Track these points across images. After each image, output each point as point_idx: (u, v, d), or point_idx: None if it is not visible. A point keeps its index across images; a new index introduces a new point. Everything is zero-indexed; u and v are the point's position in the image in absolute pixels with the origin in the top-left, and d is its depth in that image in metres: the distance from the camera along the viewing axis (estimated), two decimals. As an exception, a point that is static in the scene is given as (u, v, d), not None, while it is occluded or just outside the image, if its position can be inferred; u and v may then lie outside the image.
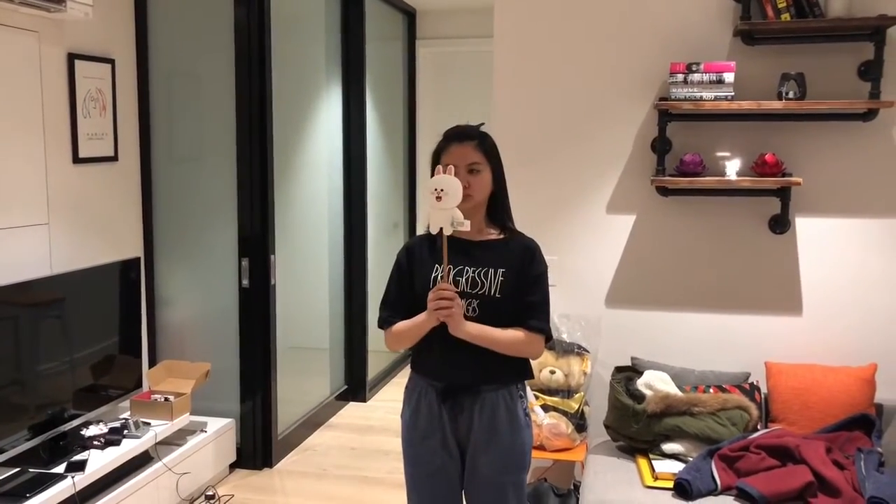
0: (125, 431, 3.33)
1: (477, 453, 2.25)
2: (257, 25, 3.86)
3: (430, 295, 2.10)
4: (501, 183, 2.26)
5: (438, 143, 2.27)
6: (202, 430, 3.77)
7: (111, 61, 3.69)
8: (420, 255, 2.27)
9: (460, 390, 2.23)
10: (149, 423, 3.46)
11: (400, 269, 2.31)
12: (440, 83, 6.10)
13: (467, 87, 6.02)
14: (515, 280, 2.18)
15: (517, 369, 2.28)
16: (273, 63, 3.97)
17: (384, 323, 2.33)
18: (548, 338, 2.27)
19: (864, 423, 2.99)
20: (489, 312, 2.16)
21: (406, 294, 2.29)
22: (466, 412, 2.24)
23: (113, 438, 3.27)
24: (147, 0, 3.90)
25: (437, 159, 2.23)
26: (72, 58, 3.43)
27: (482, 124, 2.27)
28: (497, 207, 2.27)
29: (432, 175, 2.22)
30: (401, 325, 2.27)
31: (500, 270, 2.16)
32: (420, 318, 2.20)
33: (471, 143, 2.19)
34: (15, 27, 3.14)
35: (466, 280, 2.17)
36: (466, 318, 2.15)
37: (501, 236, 2.26)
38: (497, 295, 2.15)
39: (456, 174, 2.11)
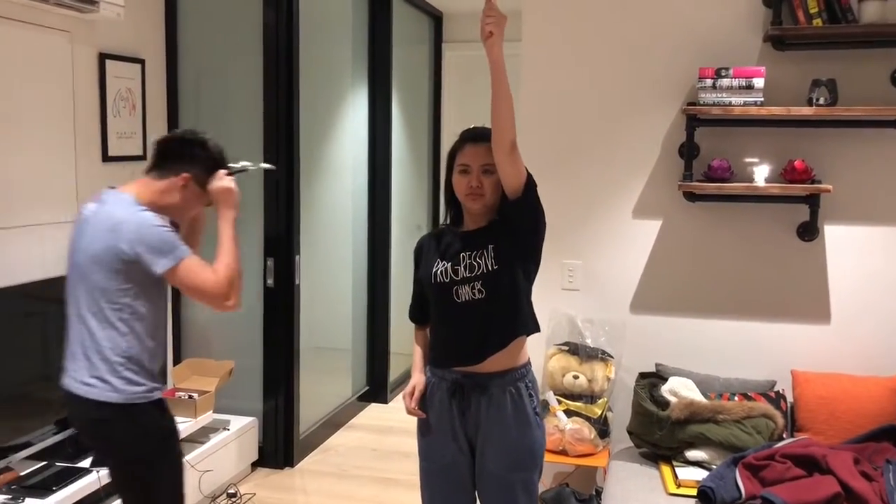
0: (149, 428, 3.36)
1: (485, 449, 2.28)
2: (286, 27, 3.89)
3: (481, 16, 2.09)
4: None
5: (454, 143, 2.31)
6: (225, 429, 3.80)
7: (141, 61, 3.74)
8: (427, 250, 2.36)
9: (468, 384, 2.26)
10: (173, 421, 3.49)
11: (415, 265, 2.42)
12: (465, 86, 6.10)
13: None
14: (505, 241, 2.20)
15: (513, 357, 2.27)
16: (300, 64, 3.99)
17: (410, 316, 2.49)
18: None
19: (893, 433, 2.94)
20: (493, 286, 2.19)
21: (417, 288, 2.42)
22: (474, 407, 2.27)
23: (137, 435, 3.29)
24: (177, 1, 3.95)
25: (452, 159, 2.29)
26: (103, 58, 3.47)
27: None
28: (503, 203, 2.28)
29: (448, 176, 2.29)
30: (416, 347, 2.46)
31: (490, 246, 2.20)
32: (414, 366, 2.42)
33: (486, 145, 2.20)
34: (48, 27, 3.19)
35: (465, 267, 2.22)
36: (473, 300, 2.20)
37: (494, 218, 2.27)
38: (495, 267, 2.19)
39: (470, 175, 2.20)
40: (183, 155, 2.32)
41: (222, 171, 2.37)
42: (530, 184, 2.18)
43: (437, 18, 5.93)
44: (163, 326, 2.39)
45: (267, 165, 2.61)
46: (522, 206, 2.18)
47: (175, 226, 2.40)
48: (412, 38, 5.64)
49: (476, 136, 2.26)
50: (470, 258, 2.22)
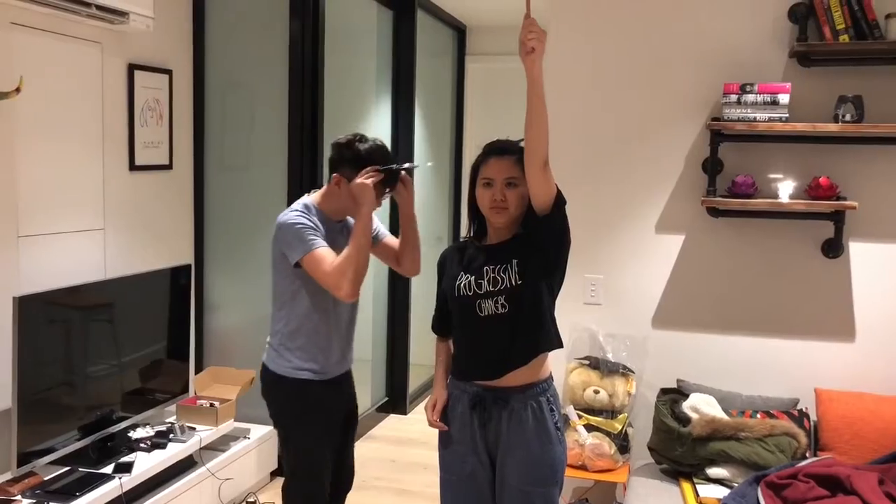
0: (171, 435, 3.39)
1: (504, 462, 2.28)
2: (311, 38, 3.93)
3: (521, 32, 2.08)
4: None
5: (478, 156, 2.32)
6: (245, 437, 3.82)
7: (169, 72, 3.78)
8: (450, 262, 2.37)
9: (489, 398, 2.26)
10: (194, 428, 3.52)
11: (438, 277, 2.44)
12: (488, 99, 6.12)
13: (515, 103, 5.99)
14: (530, 256, 2.20)
15: (535, 371, 2.27)
16: (325, 75, 4.03)
17: (433, 328, 2.51)
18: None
19: (919, 455, 2.91)
20: (516, 301, 2.19)
21: (442, 307, 2.43)
22: (495, 420, 2.27)
23: (159, 442, 3.32)
24: (205, 12, 4.00)
25: (475, 172, 2.29)
26: (132, 68, 3.52)
27: (522, 140, 2.28)
28: (527, 216, 2.27)
29: (472, 189, 2.30)
30: (438, 359, 2.47)
31: (514, 261, 2.20)
32: (436, 379, 2.43)
33: (510, 158, 2.22)
34: (80, 38, 3.24)
35: (488, 281, 2.22)
36: (496, 314, 2.21)
37: (516, 233, 2.28)
38: (518, 282, 2.18)
39: (494, 188, 2.21)
40: (333, 158, 2.60)
41: (367, 169, 2.51)
42: (560, 201, 2.18)
43: (460, 31, 5.96)
44: (325, 316, 2.62)
45: (408, 165, 2.69)
46: (551, 223, 2.18)
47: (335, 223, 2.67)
48: (436, 50, 5.67)
49: (500, 150, 2.27)
50: (494, 272, 2.22)
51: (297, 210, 2.57)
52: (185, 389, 3.73)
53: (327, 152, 4.11)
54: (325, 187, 2.64)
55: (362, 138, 2.60)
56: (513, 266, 2.20)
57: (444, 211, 5.98)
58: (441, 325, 2.46)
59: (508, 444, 2.26)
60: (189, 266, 3.74)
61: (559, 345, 2.30)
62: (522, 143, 2.26)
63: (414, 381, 5.37)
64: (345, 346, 2.73)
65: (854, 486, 2.67)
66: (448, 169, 5.98)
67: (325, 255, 2.47)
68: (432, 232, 5.81)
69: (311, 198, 2.65)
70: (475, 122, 6.10)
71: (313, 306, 2.60)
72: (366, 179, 2.50)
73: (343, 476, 2.86)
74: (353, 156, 2.55)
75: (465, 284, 2.25)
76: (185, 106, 3.96)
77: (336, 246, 2.52)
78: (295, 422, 2.67)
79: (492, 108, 6.11)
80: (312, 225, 2.52)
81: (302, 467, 2.70)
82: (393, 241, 2.81)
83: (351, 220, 2.66)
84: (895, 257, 3.16)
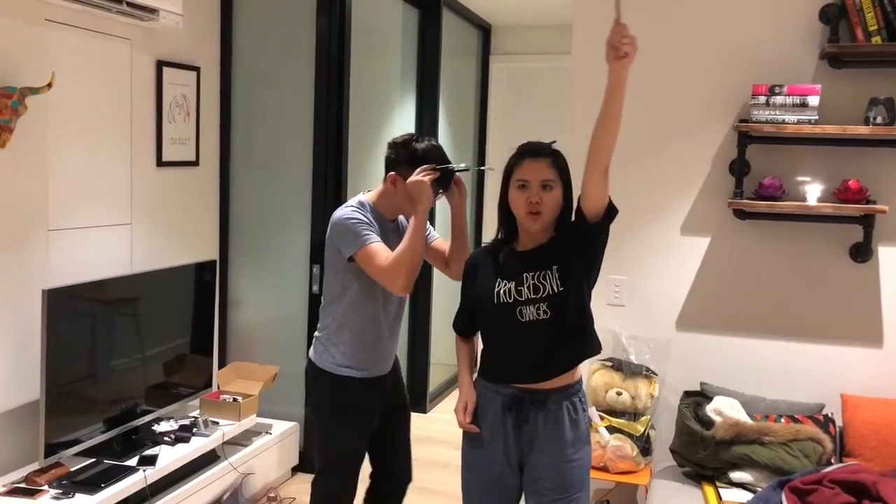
0: (194, 429, 3.41)
1: (538, 466, 2.25)
2: (338, 36, 3.94)
3: (612, 37, 2.11)
4: (570, 199, 2.26)
5: (511, 158, 2.28)
6: (267, 433, 3.84)
7: (196, 69, 3.81)
8: (482, 266, 2.33)
9: (527, 399, 2.23)
10: (217, 423, 3.54)
11: (465, 279, 2.41)
12: (512, 98, 6.12)
13: (538, 102, 6.02)
14: (570, 261, 2.19)
15: (574, 373, 2.27)
16: (351, 73, 4.04)
17: (456, 328, 2.48)
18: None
19: (947, 463, 2.87)
20: (558, 307, 2.17)
21: (468, 303, 2.39)
22: (532, 422, 2.24)
23: (182, 435, 3.35)
24: (232, 10, 4.03)
25: (509, 174, 2.26)
26: (160, 65, 3.56)
27: (554, 142, 2.28)
28: (560, 220, 2.25)
29: (504, 191, 2.27)
30: (462, 360, 2.44)
31: (555, 267, 2.19)
32: (463, 380, 2.39)
33: (545, 160, 2.21)
34: (111, 35, 3.28)
35: (529, 287, 2.19)
36: (538, 320, 2.18)
37: (553, 236, 2.26)
38: (560, 288, 2.17)
39: (529, 190, 2.18)
40: (390, 157, 2.63)
41: (424, 167, 2.53)
42: (612, 210, 2.17)
43: (485, 31, 5.95)
44: (374, 312, 2.65)
45: (463, 166, 2.74)
46: (599, 231, 2.18)
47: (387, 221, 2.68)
48: (460, 49, 5.67)
49: (535, 151, 2.24)
50: (533, 279, 2.19)
51: (351, 206, 2.59)
52: (209, 384, 3.75)
53: (352, 150, 4.16)
54: (380, 186, 2.66)
55: (418, 138, 2.62)
56: (553, 272, 2.18)
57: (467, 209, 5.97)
58: (465, 326, 2.45)
59: (544, 444, 2.23)
60: (214, 262, 3.77)
61: (600, 349, 2.30)
62: (555, 146, 2.25)
63: (434, 380, 5.37)
64: (390, 344, 2.75)
65: (881, 493, 2.64)
66: (471, 167, 5.98)
67: (379, 249, 2.50)
68: (455, 231, 5.81)
69: (366, 196, 2.67)
70: (498, 122, 6.09)
71: (362, 302, 2.62)
72: (421, 177, 2.50)
73: (398, 477, 2.86)
74: (410, 154, 2.57)
75: (504, 291, 2.22)
76: (212, 103, 3.99)
77: (389, 245, 2.54)
78: (330, 418, 2.70)
79: (515, 108, 6.10)
80: (367, 221, 2.55)
81: (331, 464, 2.73)
82: (443, 245, 2.81)
83: (403, 220, 2.70)
84: (925, 262, 3.12)
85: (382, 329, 2.69)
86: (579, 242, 2.20)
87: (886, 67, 3.05)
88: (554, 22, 5.52)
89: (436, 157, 2.59)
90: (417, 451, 4.57)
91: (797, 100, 3.03)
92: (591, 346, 2.27)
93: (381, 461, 2.86)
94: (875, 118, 2.98)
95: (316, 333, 2.73)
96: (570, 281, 2.18)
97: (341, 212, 2.59)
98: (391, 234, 2.62)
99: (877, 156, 3.10)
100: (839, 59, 3.06)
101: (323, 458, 2.75)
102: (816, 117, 3.02)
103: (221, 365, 4.08)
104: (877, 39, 2.94)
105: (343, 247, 2.54)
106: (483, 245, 2.43)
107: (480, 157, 6.02)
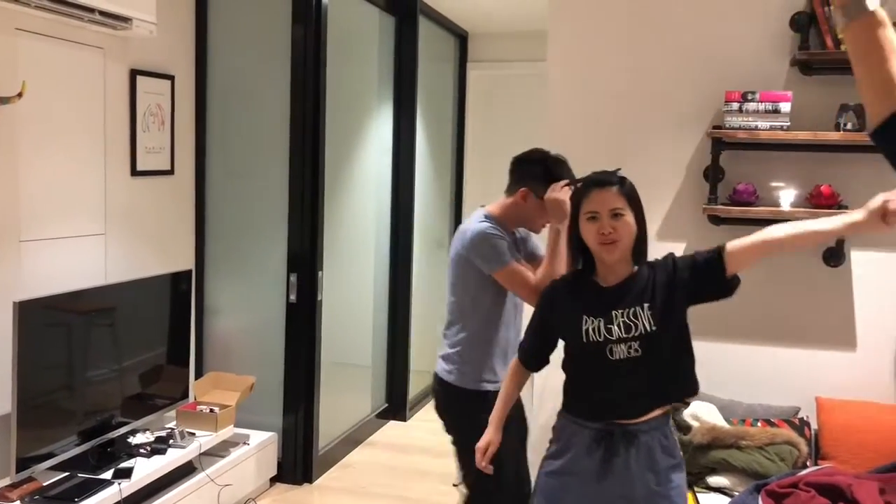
0: (171, 441, 3.38)
1: (634, 499, 2.11)
2: (314, 44, 3.93)
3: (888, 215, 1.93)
4: (643, 225, 2.16)
5: (576, 189, 2.18)
6: (245, 443, 3.81)
7: (171, 77, 3.79)
8: (563, 300, 2.19)
9: (616, 432, 2.11)
10: (193, 434, 3.51)
11: (542, 309, 2.27)
12: (489, 105, 6.14)
13: (516, 109, 6.05)
14: (665, 303, 2.10)
15: (690, 386, 2.20)
16: (327, 81, 4.03)
17: (522, 359, 2.32)
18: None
19: (920, 464, 2.90)
20: (652, 348, 2.07)
21: (540, 342, 2.26)
22: (622, 455, 2.11)
23: (159, 447, 3.32)
24: (207, 18, 4.01)
25: (577, 208, 2.14)
26: (134, 73, 3.53)
27: (618, 169, 2.18)
28: (637, 248, 2.15)
29: (573, 226, 2.16)
30: (505, 393, 2.34)
31: (646, 305, 2.08)
32: (495, 416, 2.31)
33: (612, 189, 2.10)
34: (83, 43, 3.25)
35: (619, 325, 2.08)
36: (629, 358, 2.07)
37: (634, 271, 2.15)
38: (654, 328, 2.07)
39: (600, 221, 2.08)
40: (521, 172, 2.63)
41: (559, 184, 2.50)
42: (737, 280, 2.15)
43: (462, 38, 5.97)
44: (506, 324, 2.66)
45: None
46: (723, 285, 2.14)
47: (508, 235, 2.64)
48: (438, 56, 5.69)
49: (602, 181, 2.12)
50: (624, 317, 2.08)
51: (487, 222, 2.58)
52: (185, 395, 3.72)
53: (329, 158, 4.15)
54: (507, 199, 2.64)
55: (546, 153, 2.62)
56: (644, 310, 2.08)
57: (445, 217, 5.98)
58: (534, 358, 2.29)
59: (638, 475, 2.11)
60: (190, 271, 3.74)
61: (695, 391, 2.19)
62: (620, 172, 2.16)
63: (414, 388, 5.36)
64: (515, 343, 2.68)
65: (855, 495, 2.66)
66: (450, 175, 5.99)
67: (521, 268, 2.53)
68: (433, 237, 5.82)
69: (489, 209, 2.65)
70: (477, 128, 6.11)
71: (495, 311, 2.62)
72: (559, 195, 2.46)
73: (526, 489, 2.72)
74: (543, 171, 2.56)
75: (592, 329, 2.09)
76: (187, 111, 3.97)
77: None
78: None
79: (493, 114, 6.12)
80: (507, 238, 2.55)
81: (498, 490, 2.60)
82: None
83: (518, 232, 2.70)
84: (894, 265, 3.16)
85: (510, 332, 2.69)
86: (691, 284, 2.11)
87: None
88: (530, 28, 5.55)
89: (567, 172, 2.56)
90: (397, 460, 4.57)
91: (769, 106, 3.06)
92: (683, 387, 2.17)
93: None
94: (845, 124, 3.02)
95: (447, 351, 2.67)
96: (663, 319, 2.07)
97: (481, 226, 2.56)
98: (510, 248, 2.58)
99: (848, 161, 3.14)
100: (809, 66, 3.10)
101: (484, 489, 2.60)
102: (788, 123, 3.06)
103: (198, 375, 4.05)
104: (846, 46, 2.98)
105: (486, 262, 2.53)
106: (559, 277, 2.29)
107: (459, 164, 6.04)
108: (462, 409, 2.65)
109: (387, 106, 5.06)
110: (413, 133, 5.13)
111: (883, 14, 1.35)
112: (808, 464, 2.98)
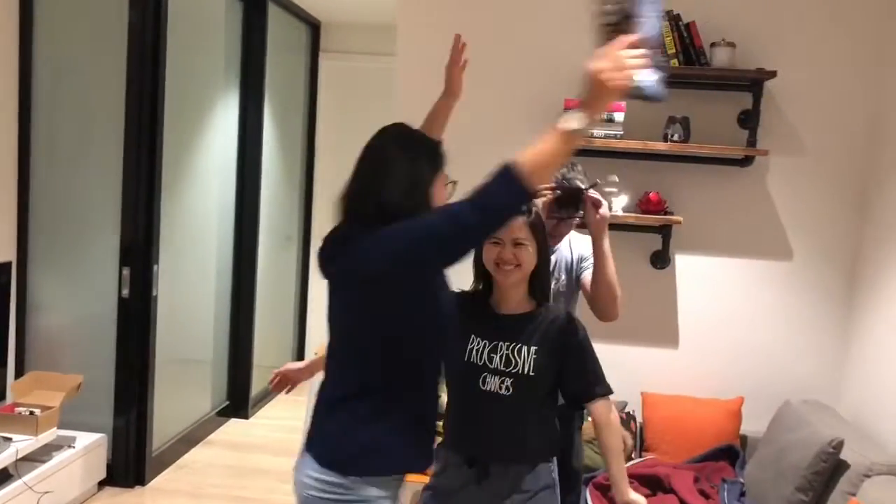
0: (-17, 447, 3.14)
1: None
2: (153, 28, 3.75)
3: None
4: (544, 258, 2.17)
5: None
6: (70, 446, 3.59)
7: (-10, 53, 3.50)
8: (461, 311, 2.08)
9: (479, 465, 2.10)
10: (10, 439, 3.27)
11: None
12: (342, 97, 6.06)
13: (369, 103, 5.99)
14: (549, 357, 2.09)
15: (549, 444, 2.17)
16: (168, 66, 3.85)
17: None
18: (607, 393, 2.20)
19: (730, 453, 3.13)
20: (523, 391, 2.06)
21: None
22: (494, 476, 2.09)
23: (-31, 454, 3.07)
24: (33, -5, 3.72)
25: None
26: (-54, 47, 3.23)
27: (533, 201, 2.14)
28: (537, 282, 2.15)
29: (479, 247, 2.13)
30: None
31: (533, 348, 2.07)
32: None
33: (520, 219, 2.09)
34: None
35: (500, 357, 2.07)
36: (499, 395, 2.05)
37: (533, 309, 2.15)
38: (531, 373, 2.05)
39: (502, 247, 2.07)
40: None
41: (589, 195, 2.38)
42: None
43: (314, 27, 5.87)
44: None
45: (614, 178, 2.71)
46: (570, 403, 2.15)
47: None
48: (288, 45, 5.56)
49: None
50: (507, 349, 2.08)
51: None
52: (2, 396, 3.46)
53: (169, 145, 3.96)
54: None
55: (564, 176, 2.51)
56: (529, 353, 2.06)
57: (294, 211, 5.87)
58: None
59: (508, 493, 2.08)
60: (9, 263, 3.48)
61: (553, 454, 2.16)
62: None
63: (257, 384, 5.23)
64: None
65: (672, 484, 2.85)
66: (300, 168, 5.88)
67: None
68: (282, 231, 5.70)
69: None
70: (329, 121, 6.02)
71: None
72: (598, 213, 2.37)
73: None
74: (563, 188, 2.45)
75: (476, 351, 2.09)
76: (9, 92, 3.67)
77: None
78: None
79: (346, 107, 6.05)
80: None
81: None
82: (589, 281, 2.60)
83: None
84: (715, 269, 3.39)
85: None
86: (563, 373, 2.11)
87: (683, 88, 3.28)
88: (381, 21, 5.52)
89: (580, 184, 2.43)
90: (238, 459, 4.45)
91: (605, 115, 3.20)
92: (542, 441, 2.14)
93: None
94: (672, 135, 3.20)
95: None
96: (543, 371, 2.07)
97: None
98: None
99: (674, 170, 3.34)
100: (642, 78, 3.26)
101: None
102: (622, 132, 3.21)
103: (19, 375, 3.77)
104: (674, 62, 3.16)
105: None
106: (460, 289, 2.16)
107: (310, 158, 5.94)
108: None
109: (233, 94, 4.90)
110: (260, 124, 5.00)
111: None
112: (633, 456, 3.15)
